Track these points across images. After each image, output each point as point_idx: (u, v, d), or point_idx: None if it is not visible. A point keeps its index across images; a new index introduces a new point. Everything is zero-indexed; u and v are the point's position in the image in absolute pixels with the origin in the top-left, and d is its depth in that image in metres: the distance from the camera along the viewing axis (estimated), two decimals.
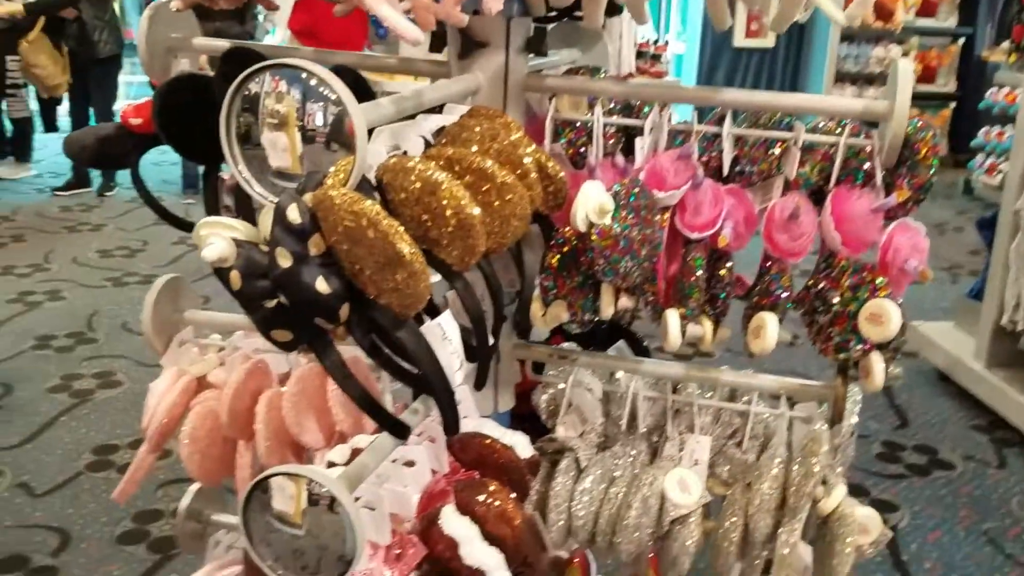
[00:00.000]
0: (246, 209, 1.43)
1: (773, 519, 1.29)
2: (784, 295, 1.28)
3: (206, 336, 1.69)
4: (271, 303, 0.90)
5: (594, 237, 1.19)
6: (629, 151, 1.39)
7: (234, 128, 0.92)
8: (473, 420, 1.37)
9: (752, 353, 1.28)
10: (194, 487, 1.73)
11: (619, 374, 1.47)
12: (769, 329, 1.25)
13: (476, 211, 0.91)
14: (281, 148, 0.94)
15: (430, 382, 0.90)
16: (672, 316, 1.26)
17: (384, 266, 0.82)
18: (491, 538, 1.19)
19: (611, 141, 1.36)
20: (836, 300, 1.26)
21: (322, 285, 0.84)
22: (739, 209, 1.31)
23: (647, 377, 1.44)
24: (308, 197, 0.86)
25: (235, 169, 0.92)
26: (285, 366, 1.60)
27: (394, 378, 1.08)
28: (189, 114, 1.38)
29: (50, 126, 7.84)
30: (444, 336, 0.93)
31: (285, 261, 0.85)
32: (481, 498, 1.20)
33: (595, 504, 1.38)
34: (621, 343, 1.66)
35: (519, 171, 1.05)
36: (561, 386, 1.49)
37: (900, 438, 3.86)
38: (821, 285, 1.29)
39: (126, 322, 5.05)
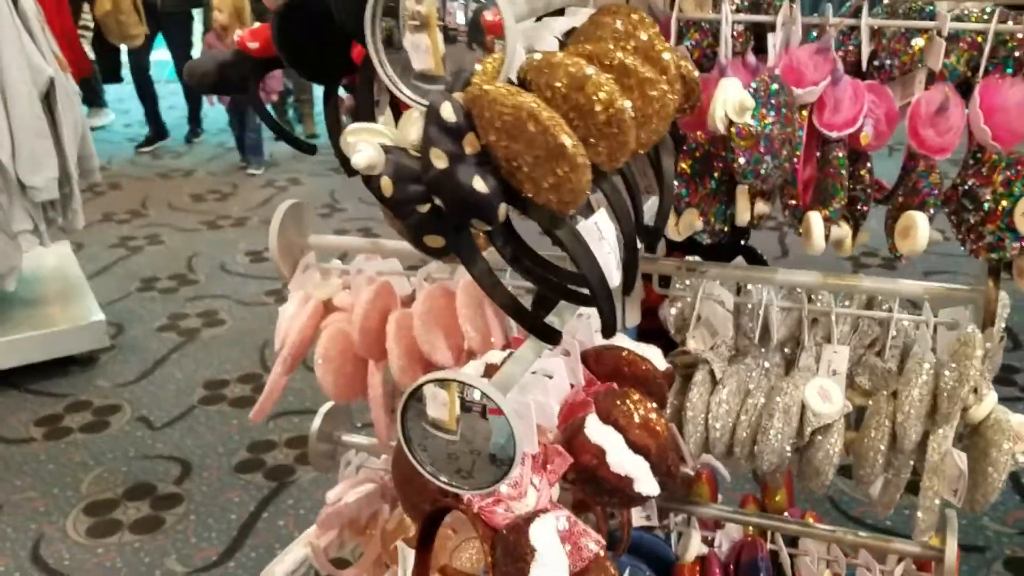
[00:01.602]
0: None
1: (923, 427, 1.25)
2: (934, 192, 1.22)
3: (327, 261, 1.70)
4: (424, 208, 0.89)
5: (734, 137, 1.14)
6: (756, 51, 1.33)
7: (379, 32, 0.91)
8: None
9: (900, 255, 1.23)
10: (323, 410, 1.76)
11: (750, 285, 1.43)
12: (920, 228, 1.19)
13: (627, 104, 0.88)
14: (423, 50, 0.92)
15: (588, 282, 0.88)
16: (815, 218, 1.21)
17: (544, 160, 0.80)
18: (635, 447, 1.18)
19: (739, 41, 1.31)
20: (988, 197, 1.20)
21: (479, 184, 0.82)
22: (880, 106, 1.24)
23: (780, 287, 1.40)
24: (461, 95, 0.84)
25: (383, 72, 0.90)
26: (408, 288, 1.61)
27: (537, 286, 1.07)
28: (307, 34, 1.37)
29: (110, 76, 7.90)
30: (600, 236, 0.91)
31: (440, 162, 0.83)
32: (625, 408, 1.19)
33: (732, 416, 1.36)
34: (739, 260, 1.62)
35: (658, 68, 1.01)
36: (689, 299, 1.46)
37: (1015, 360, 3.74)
38: (970, 182, 1.23)
39: (224, 263, 5.18)
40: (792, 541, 1.63)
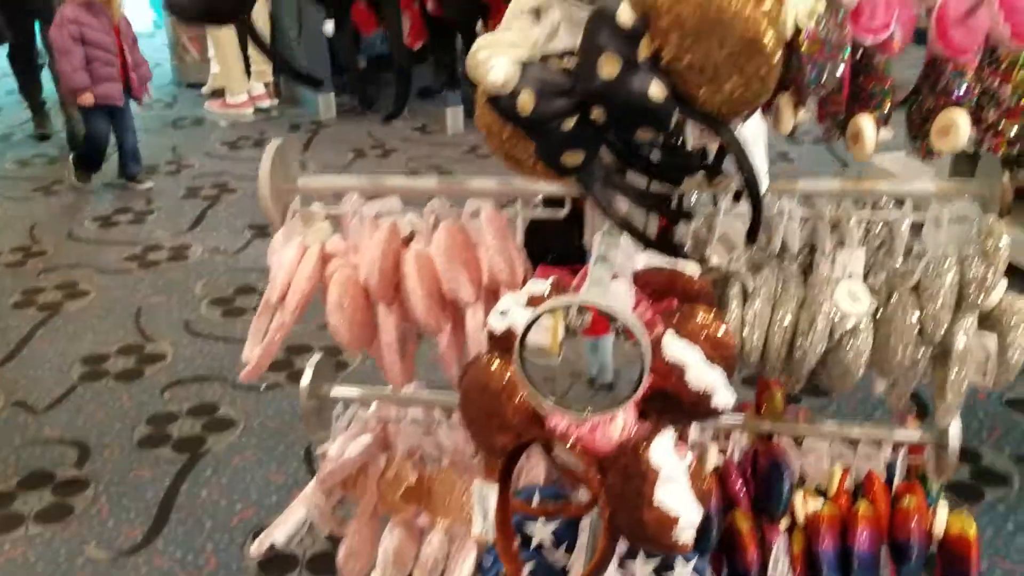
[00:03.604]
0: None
1: (951, 316, 1.33)
2: (969, 93, 1.28)
3: (309, 204, 1.60)
4: (568, 123, 0.85)
5: (803, 43, 1.15)
6: None
7: None
8: (646, 253, 1.35)
9: (938, 153, 1.29)
10: (312, 361, 1.67)
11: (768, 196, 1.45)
12: (961, 127, 1.25)
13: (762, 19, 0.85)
14: None
15: (748, 185, 0.87)
16: (867, 121, 1.25)
17: (735, 59, 0.77)
18: (710, 361, 1.19)
19: None
20: (1007, 94, 1.27)
21: (656, 90, 0.79)
22: (904, 10, 1.28)
23: (797, 195, 1.44)
24: None
25: None
26: (408, 228, 1.54)
27: (634, 201, 1.05)
28: None
29: None
30: (755, 139, 0.90)
31: (611, 69, 0.79)
32: (697, 323, 1.20)
33: (764, 326, 1.39)
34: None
35: None
36: (705, 214, 1.47)
37: None
38: (988, 81, 1.30)
39: (71, 231, 4.80)
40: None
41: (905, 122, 1.36)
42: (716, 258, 1.46)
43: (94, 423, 3.18)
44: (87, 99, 4.84)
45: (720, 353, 1.20)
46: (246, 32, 1.36)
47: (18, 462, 2.98)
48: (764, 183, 0.93)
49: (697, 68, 0.80)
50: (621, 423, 1.15)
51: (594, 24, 0.80)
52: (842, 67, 1.21)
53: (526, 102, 0.84)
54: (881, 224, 1.48)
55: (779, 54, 0.77)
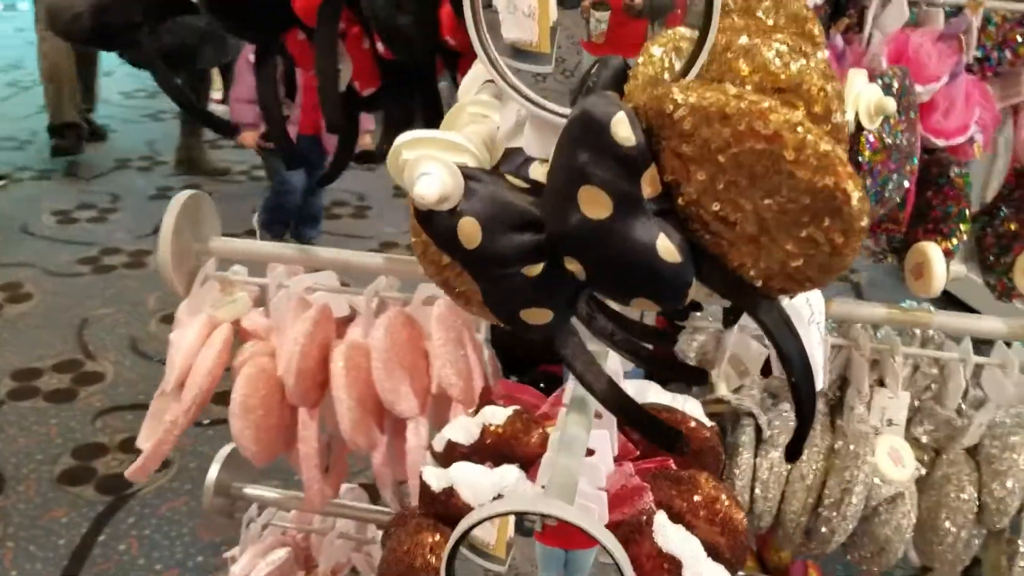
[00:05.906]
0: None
1: (1021, 501, 1.04)
2: None
3: (226, 269, 1.30)
4: (534, 269, 0.56)
5: (863, 150, 0.86)
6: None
7: None
8: (632, 383, 1.06)
9: (1020, 294, 1.01)
10: (223, 453, 1.37)
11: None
12: None
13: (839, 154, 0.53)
14: (524, 12, 0.58)
15: (796, 386, 0.57)
16: (934, 252, 0.96)
17: (795, 214, 0.48)
18: (709, 549, 0.90)
19: (818, 14, 1.03)
20: None
21: (666, 246, 0.49)
22: (987, 109, 1.00)
23: (832, 320, 1.15)
24: (651, 95, 0.50)
25: (482, 48, 0.55)
26: (345, 309, 1.25)
27: (629, 358, 0.75)
28: None
29: None
30: (812, 318, 0.61)
31: (598, 209, 0.50)
32: (695, 498, 0.90)
33: (782, 483, 1.10)
34: None
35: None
36: (714, 329, 1.18)
37: None
38: None
39: (26, 225, 4.48)
40: None
41: (975, 247, 1.08)
42: (724, 387, 1.17)
43: (14, 449, 2.86)
44: (246, 139, 3.58)
45: (727, 540, 0.91)
46: (152, 59, 1.06)
47: None
48: (820, 379, 0.64)
49: (730, 222, 0.50)
50: None
51: (574, 135, 0.50)
52: (909, 179, 0.93)
53: (470, 232, 0.54)
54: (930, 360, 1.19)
55: (864, 221, 0.46)
